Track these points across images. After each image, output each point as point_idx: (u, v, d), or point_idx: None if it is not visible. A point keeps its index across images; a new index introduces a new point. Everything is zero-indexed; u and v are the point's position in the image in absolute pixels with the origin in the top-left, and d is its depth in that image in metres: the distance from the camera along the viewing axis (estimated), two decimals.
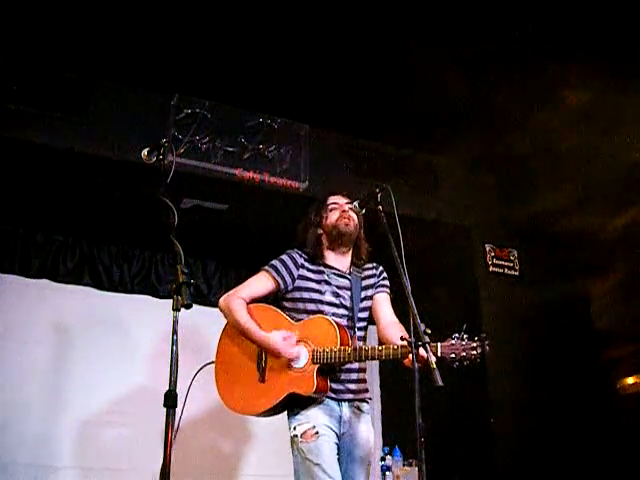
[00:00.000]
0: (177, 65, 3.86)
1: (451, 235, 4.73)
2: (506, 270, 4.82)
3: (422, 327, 2.29)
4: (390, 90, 4.05)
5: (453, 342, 2.41)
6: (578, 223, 4.44)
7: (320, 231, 2.90)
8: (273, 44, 3.71)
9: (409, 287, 2.37)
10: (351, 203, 2.87)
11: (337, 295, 2.80)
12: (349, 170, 4.50)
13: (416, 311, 2.29)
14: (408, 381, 2.23)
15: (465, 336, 2.42)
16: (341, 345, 2.59)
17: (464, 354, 2.39)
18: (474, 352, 2.39)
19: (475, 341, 2.41)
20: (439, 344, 2.41)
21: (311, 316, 2.73)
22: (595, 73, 3.66)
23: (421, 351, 2.27)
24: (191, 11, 3.47)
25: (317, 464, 2.50)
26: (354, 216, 2.89)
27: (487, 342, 2.39)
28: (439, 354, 2.38)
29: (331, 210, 2.91)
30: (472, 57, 3.71)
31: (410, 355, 2.32)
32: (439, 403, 3.13)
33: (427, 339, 2.27)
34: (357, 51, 3.74)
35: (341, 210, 2.89)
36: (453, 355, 2.39)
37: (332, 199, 2.95)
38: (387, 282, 2.97)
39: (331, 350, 2.58)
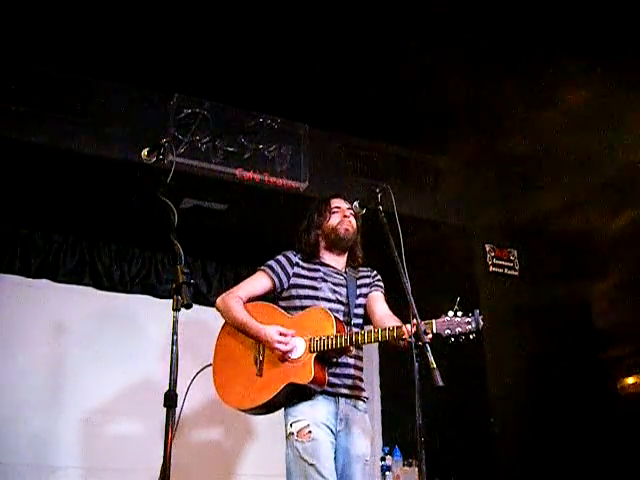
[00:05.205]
0: (177, 65, 3.86)
1: (451, 235, 4.73)
2: (506, 270, 4.82)
3: (422, 327, 2.29)
4: (390, 90, 4.05)
5: (448, 318, 2.43)
6: (578, 223, 4.43)
7: (319, 232, 2.92)
8: (273, 44, 3.71)
9: (409, 287, 2.37)
10: (352, 205, 2.88)
11: (334, 292, 2.83)
12: (349, 170, 4.50)
13: (416, 311, 2.30)
14: (408, 381, 2.23)
15: (459, 312, 2.43)
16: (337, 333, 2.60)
17: (459, 329, 2.40)
18: (469, 327, 2.39)
19: (469, 316, 2.42)
20: (434, 321, 2.43)
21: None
22: (595, 73, 3.66)
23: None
24: (191, 11, 3.47)
25: (312, 464, 2.50)
26: (354, 222, 2.92)
27: (481, 317, 2.40)
28: (434, 331, 2.41)
29: (333, 213, 2.93)
30: (472, 57, 3.71)
31: (406, 336, 2.39)
32: (439, 403, 3.12)
33: (427, 339, 2.27)
34: (357, 51, 3.74)
35: (342, 215, 2.92)
36: (448, 331, 2.41)
37: (335, 202, 2.97)
38: (381, 284, 3.00)
39: (327, 337, 2.58)
